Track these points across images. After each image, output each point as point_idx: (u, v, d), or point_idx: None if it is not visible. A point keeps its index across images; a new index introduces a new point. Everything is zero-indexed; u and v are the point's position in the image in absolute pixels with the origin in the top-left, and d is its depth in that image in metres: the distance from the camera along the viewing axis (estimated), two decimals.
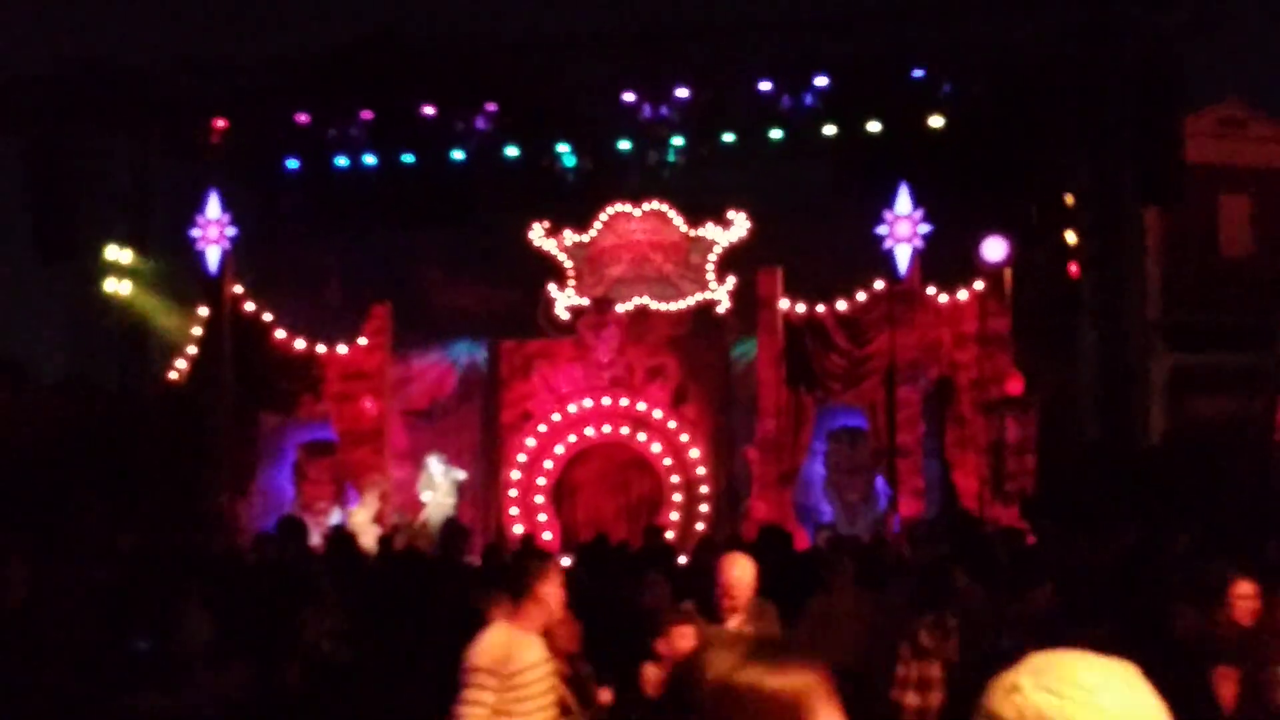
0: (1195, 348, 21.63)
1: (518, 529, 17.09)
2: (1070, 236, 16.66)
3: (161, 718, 7.00)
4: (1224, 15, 16.27)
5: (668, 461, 17.39)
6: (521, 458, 17.49)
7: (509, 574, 6.60)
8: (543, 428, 17.61)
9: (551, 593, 5.80)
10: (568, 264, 18.20)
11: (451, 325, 18.26)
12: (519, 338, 18.10)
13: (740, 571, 6.83)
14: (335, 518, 16.95)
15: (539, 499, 17.41)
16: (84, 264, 17.69)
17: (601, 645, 7.05)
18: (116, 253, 17.68)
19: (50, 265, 17.55)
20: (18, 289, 17.73)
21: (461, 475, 17.54)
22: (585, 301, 17.93)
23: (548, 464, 17.58)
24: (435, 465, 17.39)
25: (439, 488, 17.32)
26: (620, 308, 17.75)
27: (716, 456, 17.51)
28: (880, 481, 16.85)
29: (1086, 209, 16.65)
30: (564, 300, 18.10)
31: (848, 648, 7.68)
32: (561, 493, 17.67)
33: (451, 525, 13.28)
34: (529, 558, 6.70)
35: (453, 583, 9.45)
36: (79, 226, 17.49)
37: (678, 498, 17.21)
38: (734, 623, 6.67)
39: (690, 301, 18.03)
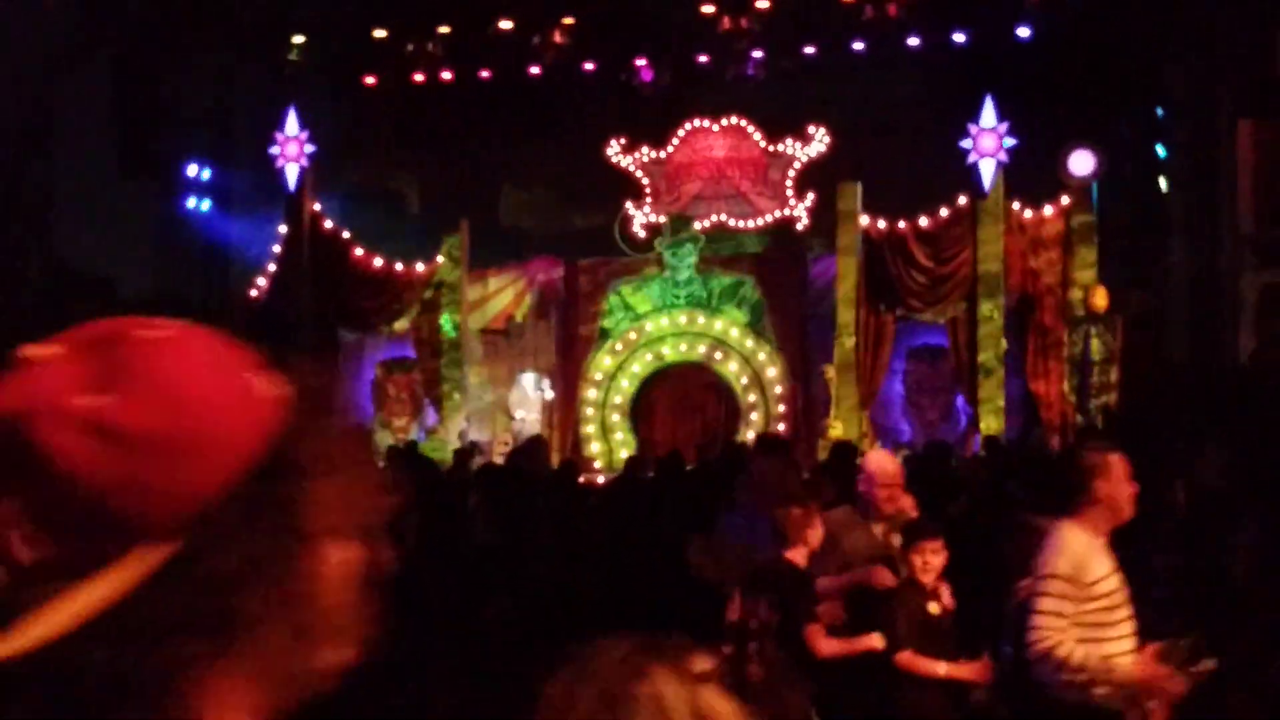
0: None
1: (595, 447, 17.18)
2: (1159, 150, 16.50)
3: None
4: None
5: (744, 381, 17.38)
6: (598, 376, 17.55)
7: (1059, 471, 5.92)
8: (619, 347, 17.64)
9: (1119, 491, 5.14)
10: (645, 181, 18.14)
11: (529, 243, 18.27)
12: (596, 256, 18.10)
13: (893, 468, 6.87)
14: (414, 435, 17.10)
15: (615, 418, 17.47)
16: (166, 181, 17.91)
17: None
18: (197, 170, 17.87)
19: (133, 181, 17.76)
20: (103, 207, 17.89)
21: (551, 394, 17.58)
22: (662, 219, 17.86)
23: (624, 383, 17.63)
24: (528, 382, 17.42)
25: (531, 405, 17.35)
26: (697, 225, 17.67)
27: (794, 376, 17.45)
28: (960, 400, 16.70)
29: (1177, 122, 16.43)
30: (641, 218, 18.03)
31: None
32: (638, 412, 17.70)
33: (536, 440, 13.37)
34: (1083, 451, 5.60)
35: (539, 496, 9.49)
36: (161, 144, 17.73)
37: (755, 417, 17.19)
38: (880, 529, 6.68)
39: (768, 219, 17.91)
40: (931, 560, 6.16)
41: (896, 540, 6.49)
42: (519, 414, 17.24)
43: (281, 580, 1.08)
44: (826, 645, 6.06)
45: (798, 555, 6.18)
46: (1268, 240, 21.59)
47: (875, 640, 6.09)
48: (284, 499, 1.09)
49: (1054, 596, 4.92)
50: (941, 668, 6.05)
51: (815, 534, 6.25)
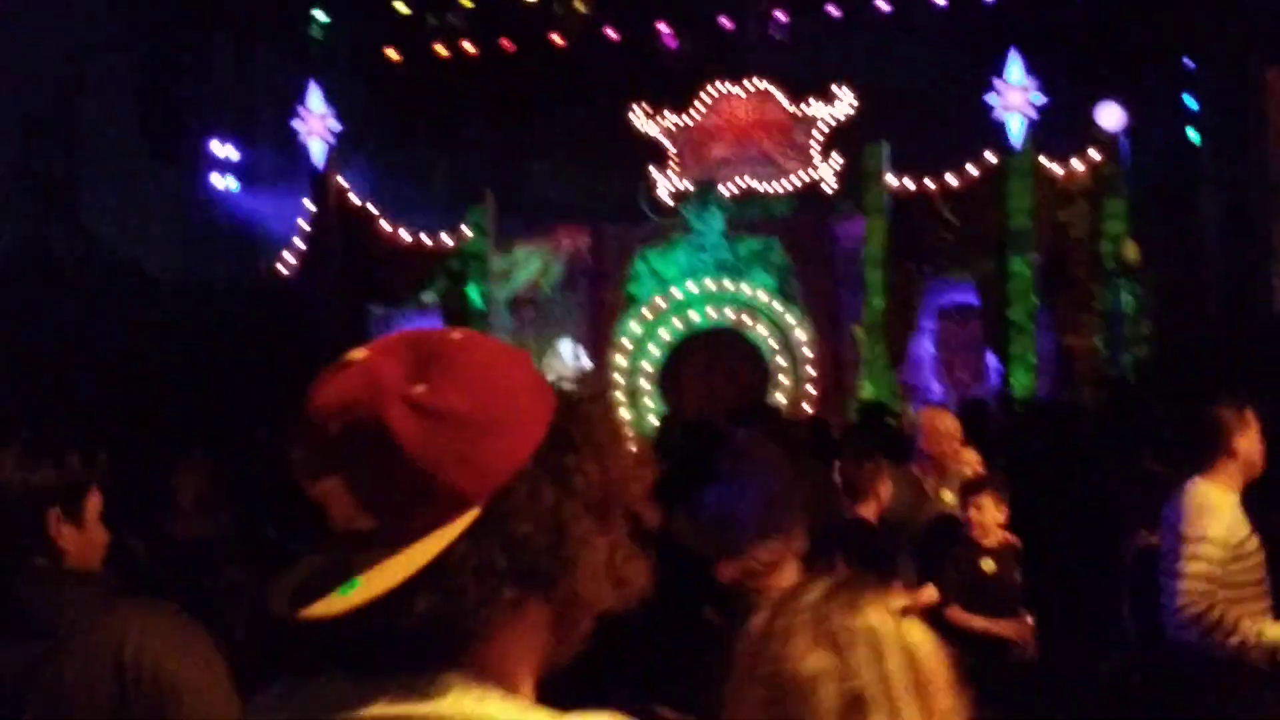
0: None
1: (624, 414, 17.19)
2: (1190, 101, 16.39)
3: None
4: None
5: (774, 345, 17.36)
6: (626, 344, 17.56)
7: (1191, 425, 5.43)
8: (647, 313, 17.64)
9: (1255, 447, 4.95)
10: (669, 146, 18.12)
11: (554, 212, 18.26)
12: (622, 223, 18.08)
13: (954, 424, 6.81)
14: None
15: (644, 384, 17.47)
16: (192, 161, 18.00)
17: None
18: (222, 148, 17.95)
19: (159, 161, 17.86)
20: (129, 187, 18.04)
21: (588, 364, 17.59)
22: (688, 184, 17.83)
23: (653, 350, 17.63)
24: (566, 349, 17.41)
25: (569, 373, 17.32)
26: (724, 189, 17.62)
27: (823, 338, 17.42)
28: (991, 358, 16.64)
29: (1207, 72, 16.37)
30: (666, 184, 18.03)
31: None
32: (667, 379, 17.70)
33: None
34: (1220, 406, 5.17)
35: None
36: (185, 124, 17.82)
37: (785, 381, 17.18)
38: (933, 484, 6.64)
39: (795, 181, 17.88)
40: (986, 516, 6.15)
41: (950, 498, 6.45)
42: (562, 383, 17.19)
43: (566, 539, 1.30)
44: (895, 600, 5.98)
45: (868, 510, 6.19)
46: None
47: (930, 593, 6.08)
48: (564, 469, 1.32)
49: (1203, 560, 4.75)
50: (978, 622, 6.02)
51: (885, 489, 6.24)
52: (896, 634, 1.82)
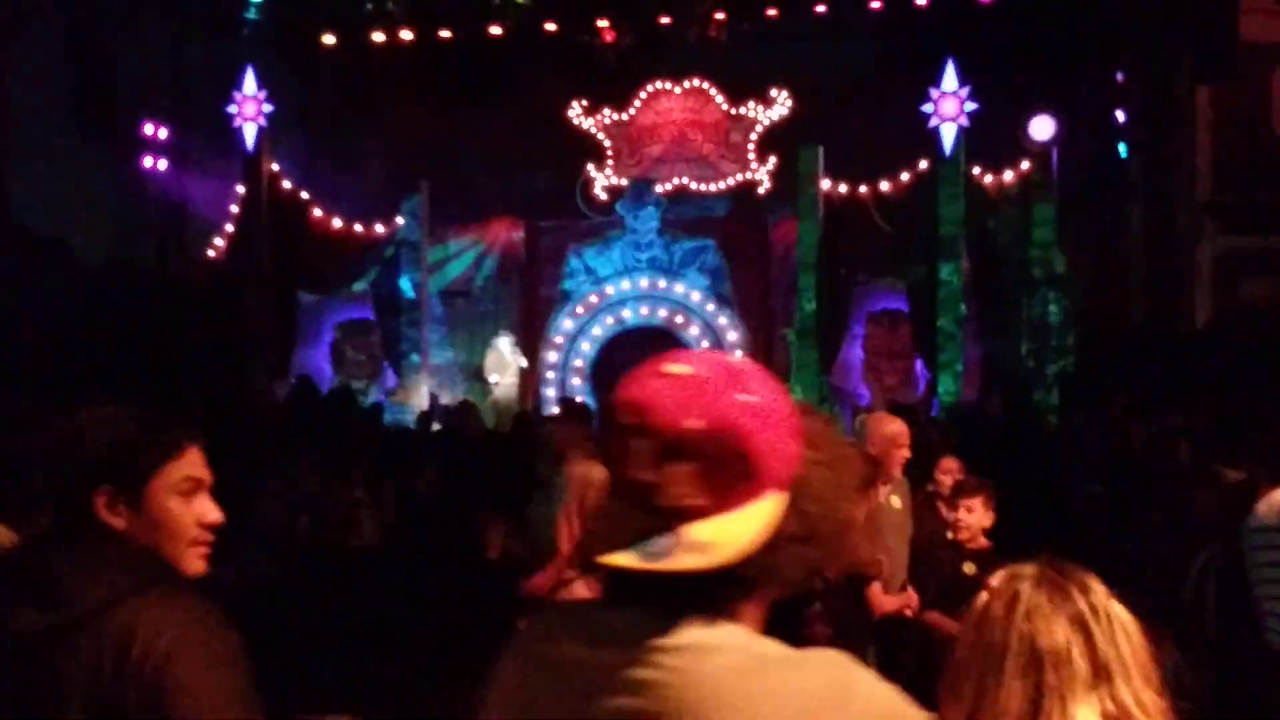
0: (1245, 229, 21.41)
1: (555, 410, 17.22)
2: (1119, 115, 16.50)
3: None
4: None
5: (705, 344, 17.37)
6: (558, 339, 17.61)
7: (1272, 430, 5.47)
8: (579, 309, 17.73)
9: None
10: (606, 143, 18.14)
11: (490, 205, 18.22)
12: (557, 218, 18.09)
13: (902, 428, 6.77)
14: (373, 397, 17.08)
15: (576, 380, 17.53)
16: (123, 143, 17.75)
17: None
18: (154, 130, 17.72)
19: (90, 143, 17.59)
20: (59, 169, 17.76)
21: (524, 362, 17.61)
22: (624, 181, 17.89)
23: (585, 346, 17.71)
24: (505, 346, 17.40)
25: (508, 369, 17.35)
26: (659, 188, 17.68)
27: (755, 340, 17.58)
28: (919, 365, 16.83)
29: (1136, 87, 16.46)
30: (602, 180, 18.05)
31: None
32: (599, 375, 17.75)
33: (465, 404, 13.43)
34: None
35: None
36: (117, 105, 17.54)
37: None
38: (886, 491, 6.62)
39: (730, 182, 17.96)
40: (974, 518, 6.18)
41: (897, 503, 6.47)
42: (494, 378, 17.26)
43: (839, 513, 1.72)
44: (888, 603, 6.04)
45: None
46: (1225, 206, 21.77)
47: (911, 597, 6.10)
48: (833, 460, 1.73)
49: None
50: (953, 625, 6.09)
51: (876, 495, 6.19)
52: (1119, 611, 2.20)
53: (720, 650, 1.60)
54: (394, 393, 17.13)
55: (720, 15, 16.80)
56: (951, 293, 16.15)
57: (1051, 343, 16.15)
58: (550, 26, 17.01)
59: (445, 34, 17.18)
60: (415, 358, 17.35)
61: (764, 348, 17.55)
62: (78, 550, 2.43)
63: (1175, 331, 15.82)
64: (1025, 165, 16.40)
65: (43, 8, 17.02)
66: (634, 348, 17.78)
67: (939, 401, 15.48)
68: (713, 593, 1.63)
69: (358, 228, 17.55)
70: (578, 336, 17.72)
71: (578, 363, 17.64)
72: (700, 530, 1.59)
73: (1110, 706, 2.13)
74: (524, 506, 6.91)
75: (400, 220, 17.38)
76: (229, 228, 17.64)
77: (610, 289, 17.69)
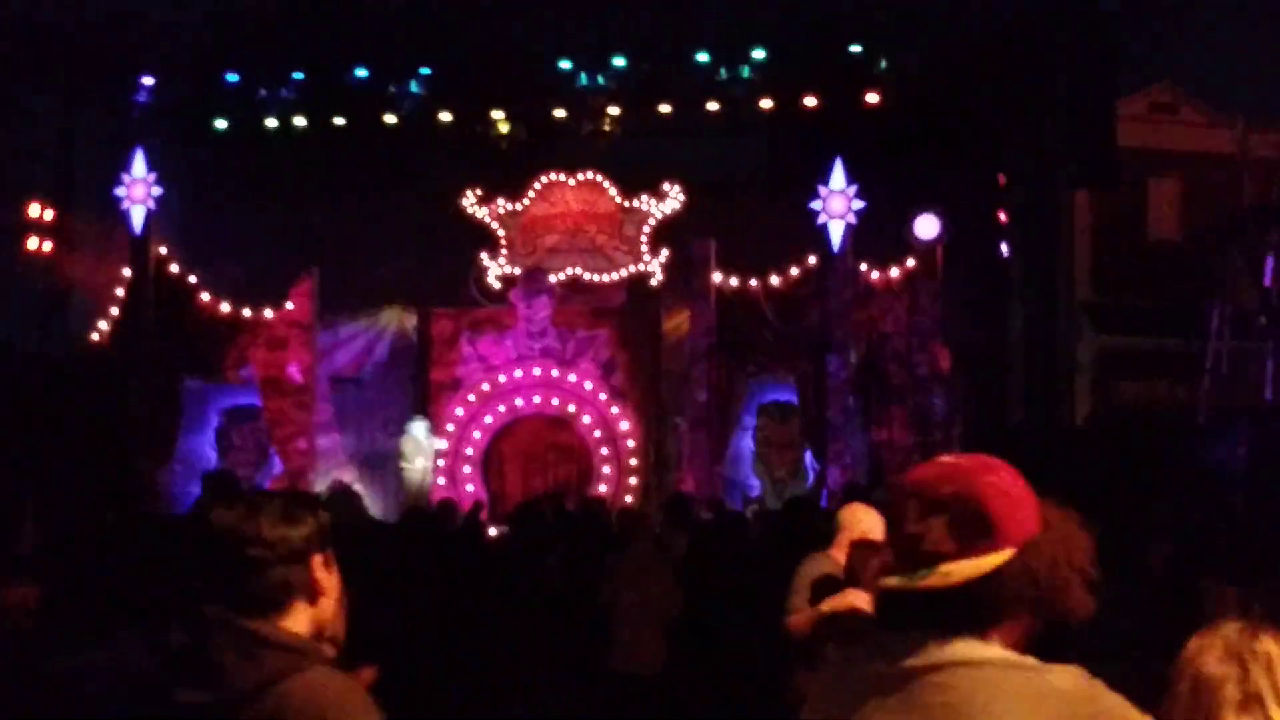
0: (1122, 330, 21.93)
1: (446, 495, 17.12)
2: (1001, 216, 16.75)
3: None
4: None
5: (598, 434, 17.52)
6: (450, 427, 17.56)
7: None
8: (472, 397, 17.69)
9: None
10: (500, 232, 18.19)
11: (382, 292, 18.18)
12: (450, 306, 18.10)
13: (874, 522, 6.77)
14: (259, 484, 16.84)
15: (467, 469, 17.48)
16: (6, 222, 17.45)
17: None
18: (39, 211, 17.46)
19: None
20: None
21: (442, 444, 17.46)
22: (517, 271, 17.94)
23: (476, 434, 17.66)
24: (420, 430, 17.24)
25: (425, 452, 17.21)
26: (553, 278, 17.80)
27: (647, 429, 17.64)
28: (809, 456, 16.98)
29: (1018, 189, 16.71)
30: (496, 269, 18.09)
31: None
32: (490, 463, 17.69)
33: (346, 491, 13.33)
34: None
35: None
36: (1, 183, 17.27)
37: (607, 470, 17.34)
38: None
39: (623, 273, 18.06)
40: None
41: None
42: (417, 461, 17.10)
43: (1060, 577, 2.22)
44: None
45: (862, 600, 6.04)
46: (1103, 306, 22.43)
47: None
48: (1062, 536, 2.24)
49: None
50: None
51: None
52: None
53: (987, 658, 2.19)
54: (279, 480, 16.91)
55: (614, 110, 16.99)
56: (839, 385, 16.36)
57: (936, 435, 16.34)
58: (445, 116, 17.08)
59: (339, 121, 17.17)
60: (301, 442, 17.16)
61: (655, 437, 17.62)
62: (238, 633, 2.64)
63: (1055, 427, 16.06)
64: (910, 262, 16.68)
65: None
66: (526, 435, 17.84)
67: (827, 492, 15.60)
68: (968, 617, 2.21)
69: (246, 312, 17.35)
70: (469, 423, 17.63)
71: (469, 451, 17.53)
72: (946, 566, 2.18)
73: None
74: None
75: (290, 305, 17.23)
76: (113, 310, 17.38)
77: (502, 377, 17.65)
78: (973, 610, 2.22)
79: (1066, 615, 2.29)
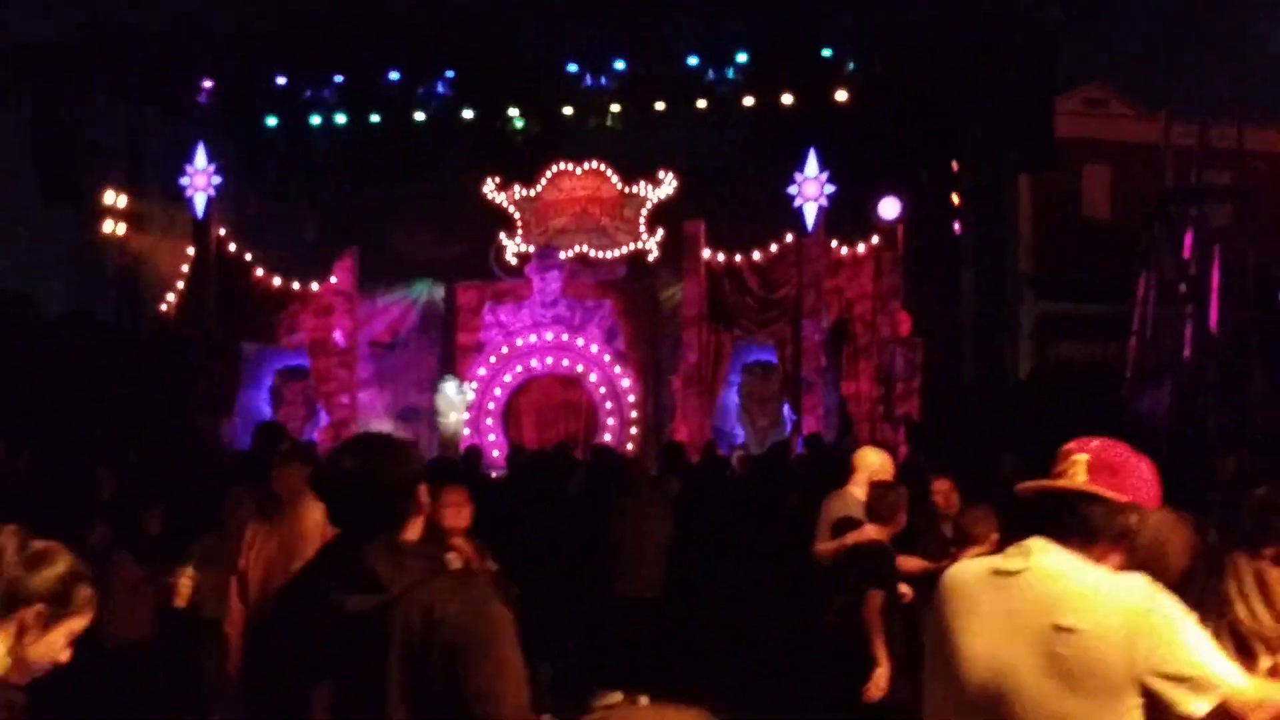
0: (1060, 298, 21.97)
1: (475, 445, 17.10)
2: (954, 198, 16.79)
3: None
4: (1095, 8, 16.39)
5: (603, 390, 17.50)
6: (474, 385, 17.47)
7: None
8: (493, 359, 17.65)
9: None
10: (516, 215, 18.12)
11: (413, 267, 18.12)
12: (473, 280, 18.03)
13: (884, 462, 7.02)
14: (308, 434, 16.83)
15: (489, 421, 17.45)
16: (84, 208, 17.41)
17: None
18: (113, 198, 17.41)
19: (54, 208, 17.27)
20: (25, 231, 17.43)
21: (471, 394, 17.42)
22: (531, 249, 17.88)
23: (497, 391, 17.63)
24: (451, 389, 17.15)
25: (457, 407, 17.16)
26: (562, 255, 17.74)
27: (645, 386, 17.63)
28: (786, 408, 16.98)
29: (969, 174, 16.74)
30: (513, 247, 18.03)
31: None
32: (509, 416, 17.69)
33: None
34: None
35: None
36: (79, 174, 17.27)
37: (611, 421, 17.32)
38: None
39: (624, 250, 18.01)
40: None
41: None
42: (451, 416, 17.07)
43: (1154, 541, 2.77)
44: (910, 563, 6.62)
45: (882, 534, 6.36)
46: (1043, 277, 22.44)
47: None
48: (1154, 523, 2.77)
49: None
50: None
51: (903, 516, 6.48)
52: None
53: (1080, 566, 2.50)
54: (325, 431, 16.89)
55: (615, 107, 16.92)
56: (812, 346, 16.35)
57: (898, 389, 16.36)
58: (467, 114, 17.01)
59: (374, 118, 17.09)
60: (344, 398, 17.11)
61: (653, 393, 17.61)
62: (384, 548, 2.84)
63: (1001, 383, 16.10)
64: (875, 239, 16.67)
65: (12, 86, 16.73)
66: (540, 392, 17.82)
67: (803, 439, 15.59)
68: (1076, 533, 2.55)
69: (296, 285, 17.31)
70: (491, 381, 17.62)
71: (491, 405, 17.53)
72: (1080, 479, 2.59)
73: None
74: None
75: (333, 279, 17.19)
76: (180, 285, 17.35)
77: (520, 341, 17.63)
78: (1082, 527, 2.55)
79: (1145, 569, 2.54)
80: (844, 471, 7.17)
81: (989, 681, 2.55)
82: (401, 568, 2.79)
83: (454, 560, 3.04)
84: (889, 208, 16.54)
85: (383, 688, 2.75)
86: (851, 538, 6.41)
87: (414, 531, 2.92)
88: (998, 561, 2.66)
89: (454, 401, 17.08)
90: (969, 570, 2.74)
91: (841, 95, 16.21)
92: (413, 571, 2.79)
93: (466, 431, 17.10)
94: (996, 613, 2.57)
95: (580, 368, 17.56)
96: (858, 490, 6.85)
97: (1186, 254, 17.36)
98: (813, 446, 13.42)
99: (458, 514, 5.78)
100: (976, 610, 2.61)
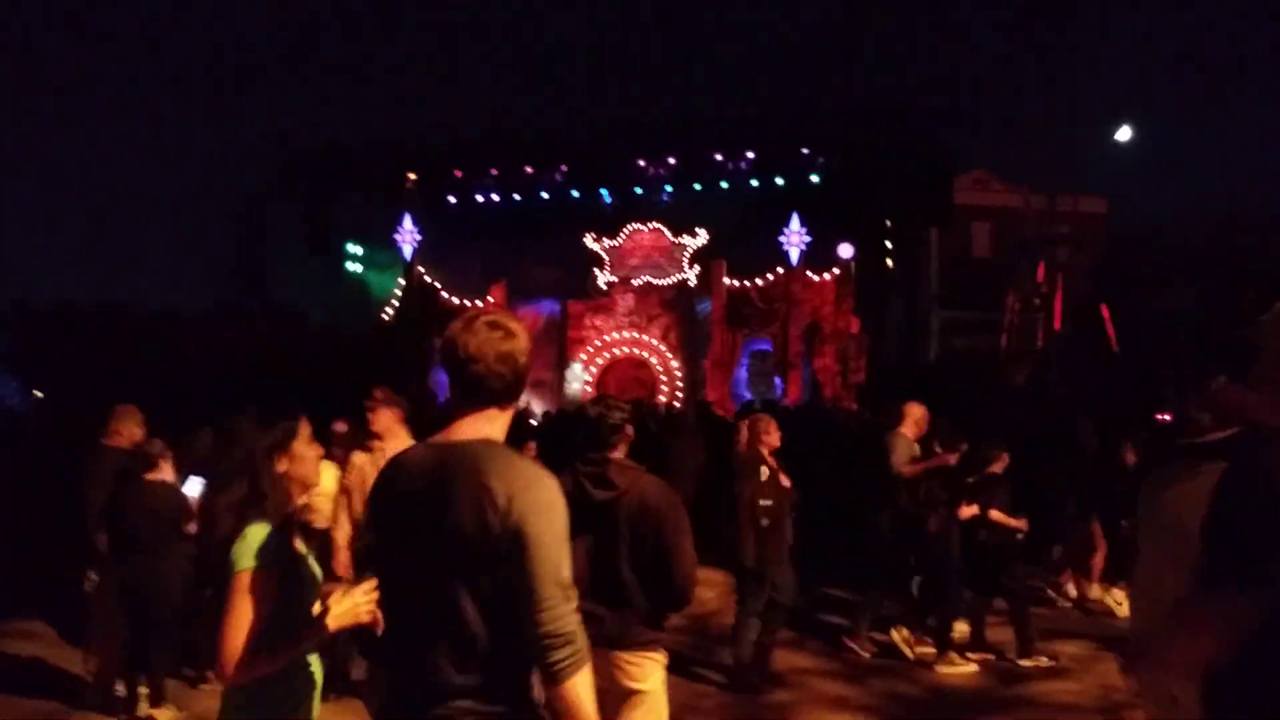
0: (956, 308, 21.99)
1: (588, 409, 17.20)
2: (888, 244, 16.85)
3: None
4: (979, 118, 16.57)
5: (659, 369, 17.49)
6: (578, 368, 17.67)
7: None
8: (590, 349, 17.72)
9: None
10: (605, 257, 17.99)
11: (540, 290, 18.00)
12: (578, 298, 17.86)
13: (922, 412, 6.31)
14: None
15: (588, 389, 17.55)
16: (336, 255, 17.99)
17: None
18: (353, 248, 18.11)
19: (318, 256, 17.92)
20: (299, 270, 17.97)
21: (589, 376, 17.11)
22: (615, 279, 17.76)
23: (593, 369, 17.67)
24: (577, 369, 16.98)
25: (579, 379, 17.02)
26: (635, 282, 17.62)
27: (687, 365, 17.40)
28: (777, 380, 17.00)
29: (897, 229, 16.82)
30: (603, 278, 17.89)
31: None
32: (600, 386, 17.59)
33: (525, 410, 13.04)
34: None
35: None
36: (331, 233, 17.75)
37: (665, 388, 17.37)
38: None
39: (674, 279, 17.70)
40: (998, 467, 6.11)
41: (917, 450, 6.19)
42: (573, 385, 16.98)
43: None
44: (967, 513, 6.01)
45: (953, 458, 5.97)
46: (945, 295, 22.55)
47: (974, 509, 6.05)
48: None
49: None
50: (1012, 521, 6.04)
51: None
52: None
53: (1203, 470, 2.03)
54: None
55: (669, 187, 17.06)
56: (794, 339, 16.41)
57: (851, 366, 16.40)
58: (575, 193, 17.25)
59: (517, 197, 17.34)
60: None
61: (692, 371, 17.45)
62: (613, 464, 2.86)
63: (917, 364, 16.40)
64: (836, 271, 16.72)
65: (294, 182, 17.32)
66: (620, 371, 17.75)
67: (788, 400, 15.76)
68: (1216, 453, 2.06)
69: (466, 303, 17.79)
70: (589, 364, 17.67)
71: (588, 380, 17.67)
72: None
73: None
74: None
75: (490, 299, 17.35)
76: (394, 303, 17.64)
77: (607, 338, 17.58)
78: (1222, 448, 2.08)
79: None
80: (897, 418, 6.44)
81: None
82: (623, 474, 2.81)
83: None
84: (845, 250, 16.54)
85: (616, 544, 2.76)
86: (936, 460, 6.04)
87: (621, 452, 2.89)
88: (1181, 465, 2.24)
89: (578, 375, 17.21)
90: (1162, 469, 2.36)
91: (815, 178, 16.21)
92: (629, 476, 2.81)
93: (589, 390, 17.16)
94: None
95: (646, 354, 17.46)
96: (907, 430, 6.20)
97: (1040, 279, 17.29)
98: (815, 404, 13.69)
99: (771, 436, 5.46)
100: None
